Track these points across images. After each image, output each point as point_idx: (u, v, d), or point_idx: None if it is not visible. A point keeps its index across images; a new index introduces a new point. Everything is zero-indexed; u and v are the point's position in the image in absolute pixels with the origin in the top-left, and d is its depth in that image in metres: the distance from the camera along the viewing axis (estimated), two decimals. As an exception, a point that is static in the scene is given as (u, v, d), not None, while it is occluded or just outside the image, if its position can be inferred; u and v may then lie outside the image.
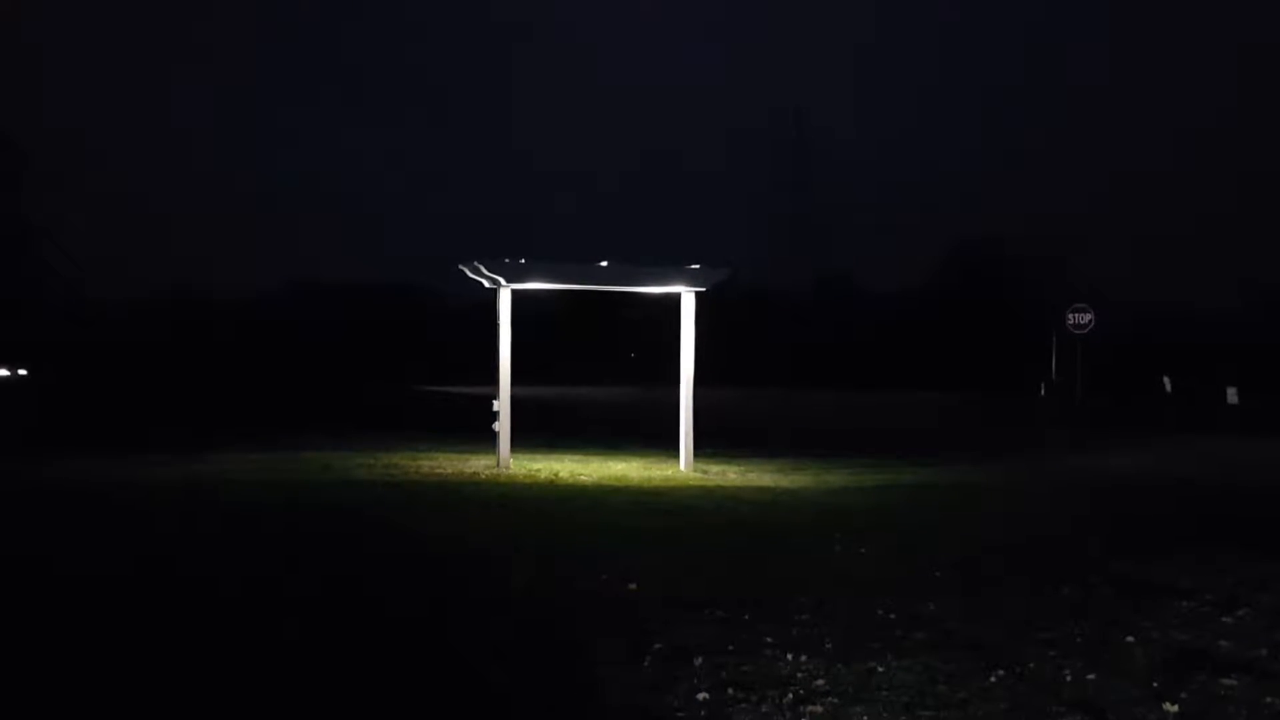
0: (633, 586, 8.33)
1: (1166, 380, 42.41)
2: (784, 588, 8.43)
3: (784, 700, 5.89)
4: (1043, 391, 44.18)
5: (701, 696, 5.93)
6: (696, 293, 17.04)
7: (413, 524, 11.22)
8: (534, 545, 10.08)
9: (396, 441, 19.80)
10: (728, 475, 16.63)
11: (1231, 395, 34.64)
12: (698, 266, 16.88)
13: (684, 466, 17.09)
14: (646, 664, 6.46)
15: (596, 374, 32.13)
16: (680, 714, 5.71)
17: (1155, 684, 6.23)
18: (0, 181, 43.82)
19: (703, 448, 18.35)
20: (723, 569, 9.19)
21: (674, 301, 17.46)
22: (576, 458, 18.08)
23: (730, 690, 6.03)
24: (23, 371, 34.08)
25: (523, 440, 18.32)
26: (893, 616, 7.59)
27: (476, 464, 16.56)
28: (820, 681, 6.21)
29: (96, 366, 32.65)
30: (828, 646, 6.85)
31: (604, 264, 16.68)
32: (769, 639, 6.98)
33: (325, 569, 8.91)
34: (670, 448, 18.36)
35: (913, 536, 11.09)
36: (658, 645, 6.78)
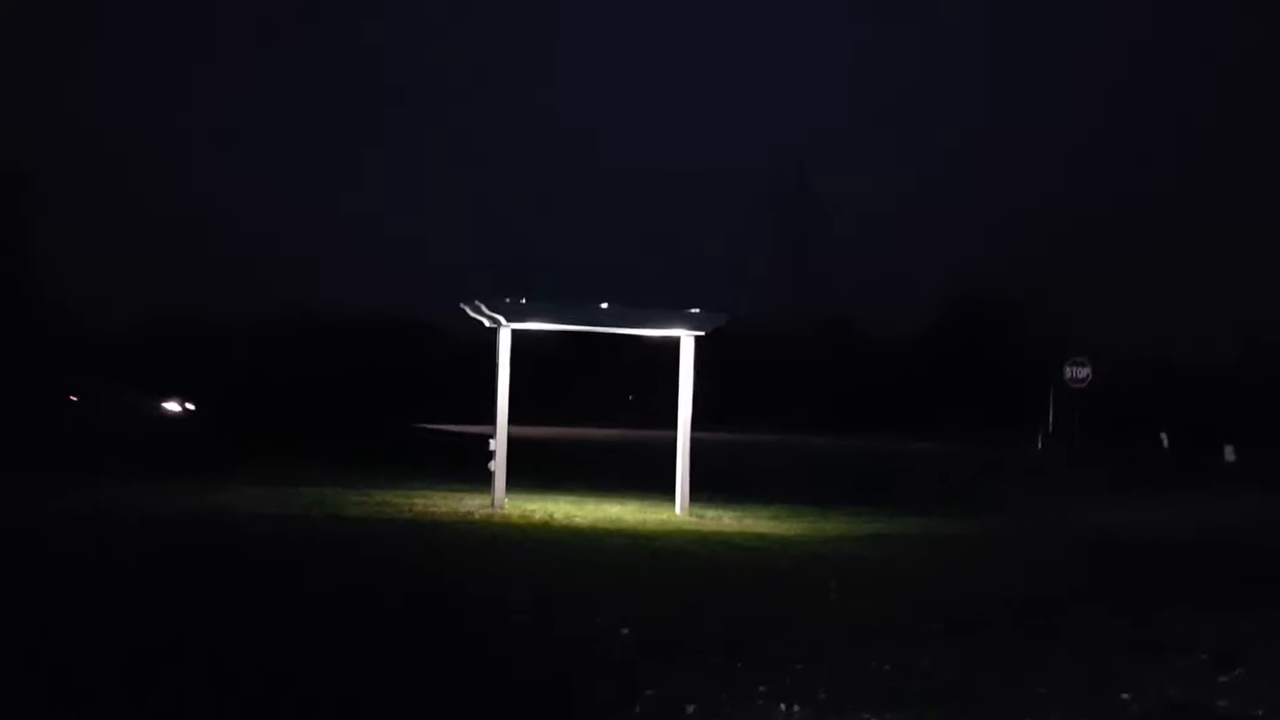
0: (625, 631, 8.26)
1: (1164, 436, 42.41)
2: (777, 636, 8.36)
3: (775, 750, 5.82)
4: (1040, 444, 44.20)
5: (692, 745, 5.86)
6: (696, 337, 17.06)
7: (401, 563, 11.15)
8: (522, 588, 10.01)
9: (393, 479, 19.72)
10: (723, 520, 16.55)
11: (1229, 453, 34.64)
12: (697, 310, 16.92)
13: (680, 511, 17.02)
14: (637, 711, 6.39)
15: (595, 414, 32.13)
16: (670, 762, 5.64)
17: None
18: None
19: (699, 492, 18.28)
20: (715, 615, 9.13)
21: (674, 345, 17.44)
22: (572, 499, 18.01)
23: (721, 739, 5.96)
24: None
25: (519, 480, 18.25)
26: (887, 668, 7.52)
27: (471, 503, 16.49)
28: (812, 732, 6.14)
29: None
30: (821, 697, 6.78)
31: (604, 306, 16.72)
32: (762, 687, 6.90)
33: (303, 609, 8.84)
34: (667, 491, 18.28)
35: (909, 588, 11.03)
36: (649, 692, 6.71)
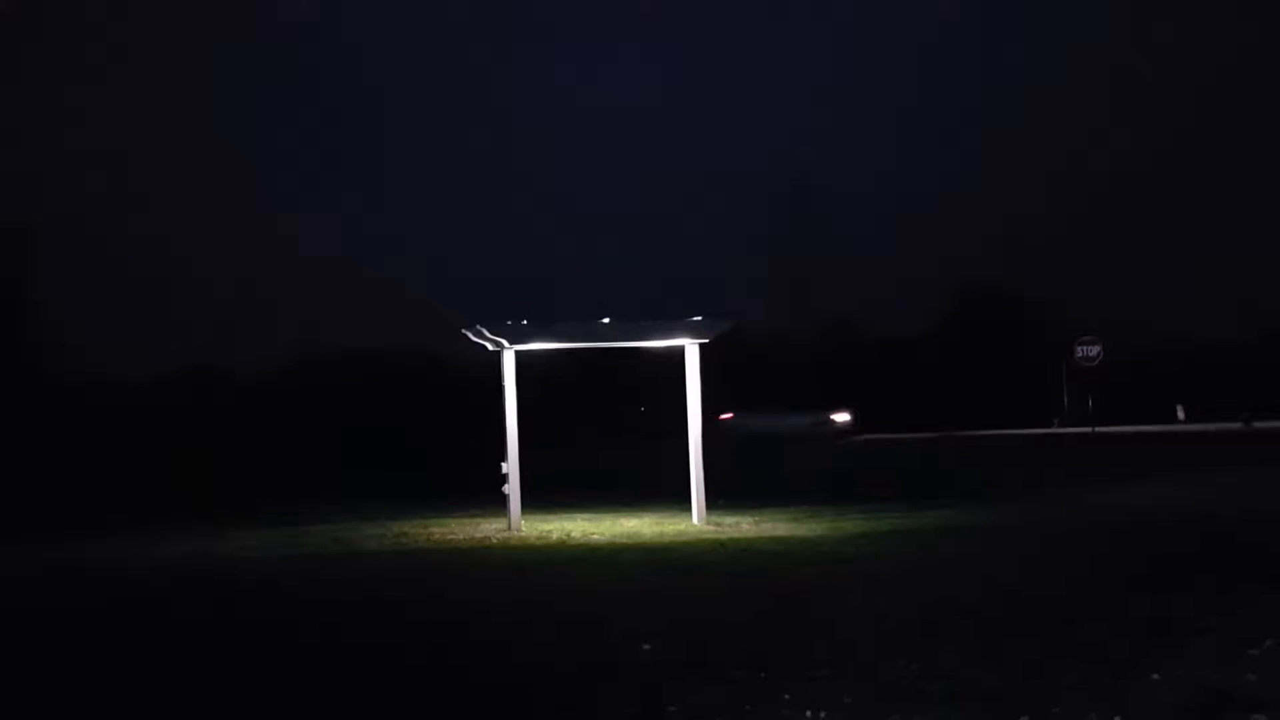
0: (645, 648, 8.20)
1: (1180, 409, 42.17)
2: (800, 641, 8.29)
3: (803, 761, 5.76)
4: (1056, 425, 43.98)
5: (718, 761, 5.80)
6: (700, 344, 17.01)
7: (418, 593, 11.11)
8: (538, 611, 9.96)
9: (409, 508, 19.69)
10: (741, 526, 16.48)
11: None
12: (699, 318, 16.87)
13: (697, 520, 16.96)
14: (662, 729, 6.34)
15: (609, 429, 32.10)
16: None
17: (1183, 725, 6.09)
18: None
19: (717, 499, 18.22)
20: (736, 624, 9.06)
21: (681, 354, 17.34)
22: (588, 516, 17.96)
23: (747, 753, 5.89)
24: None
25: (535, 501, 18.22)
26: (912, 667, 7.45)
27: (488, 528, 16.45)
28: (839, 739, 6.07)
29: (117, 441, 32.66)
30: (847, 701, 6.71)
31: (605, 321, 16.68)
32: (786, 695, 6.84)
33: (319, 646, 8.80)
34: (685, 502, 18.22)
35: (929, 583, 10.93)
36: (672, 708, 6.66)
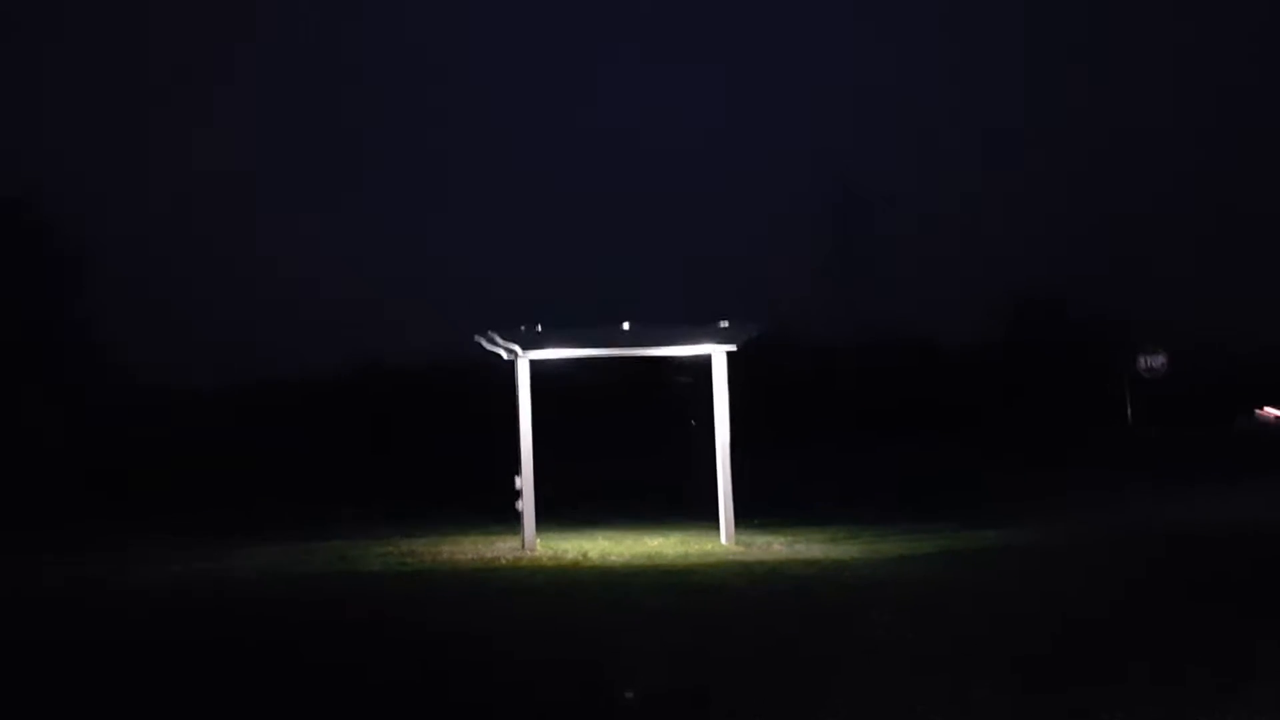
0: (653, 685, 7.29)
1: (1250, 415, 40.30)
2: (818, 677, 7.43)
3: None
4: (1116, 439, 42.24)
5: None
6: (728, 352, 15.95)
7: (416, 619, 10.22)
8: (531, 641, 9.03)
9: (427, 524, 18.81)
10: (772, 547, 15.41)
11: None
12: (727, 324, 15.81)
13: (725, 539, 15.89)
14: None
15: (642, 442, 31.11)
16: None
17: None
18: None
19: (749, 517, 17.15)
20: (753, 658, 8.16)
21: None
22: (610, 534, 16.95)
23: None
24: None
25: (555, 517, 17.26)
26: (937, 709, 6.41)
27: (502, 546, 15.49)
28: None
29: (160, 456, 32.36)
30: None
31: (625, 326, 15.69)
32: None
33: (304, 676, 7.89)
34: (714, 519, 17.16)
35: (966, 613, 9.88)
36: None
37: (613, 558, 14.38)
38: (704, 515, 18.07)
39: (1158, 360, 38.98)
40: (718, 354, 15.96)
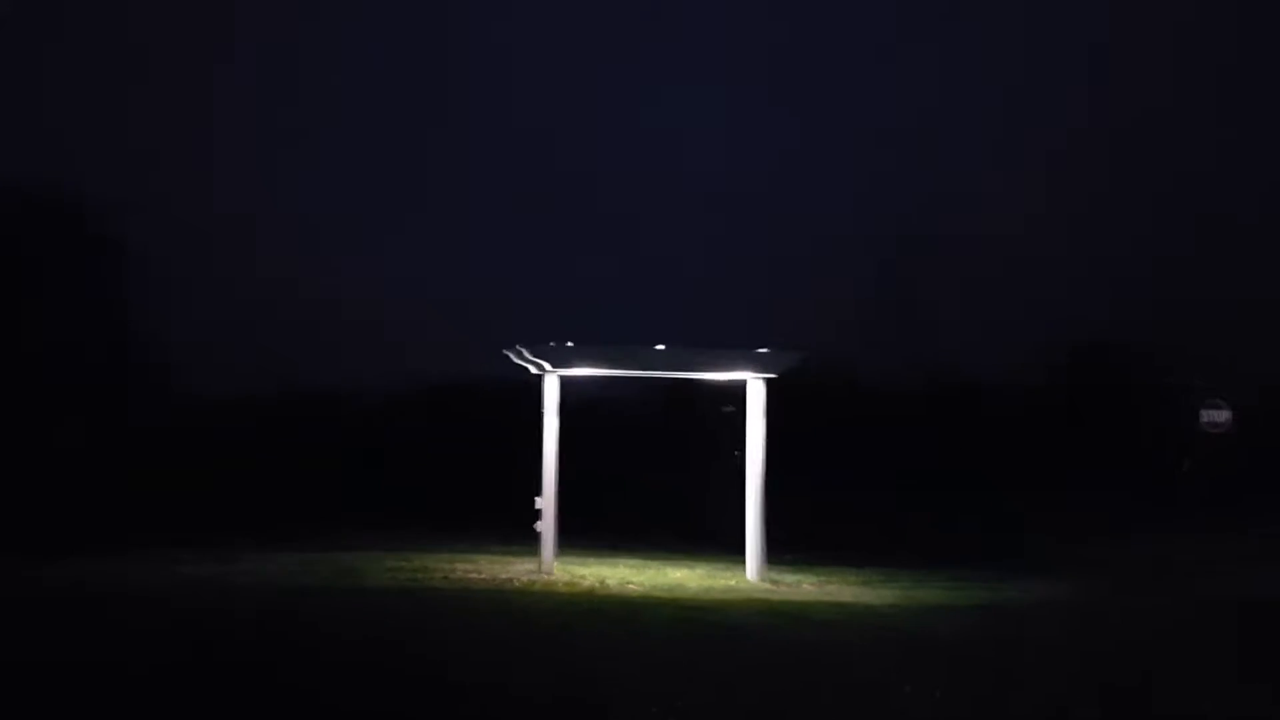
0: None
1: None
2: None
3: None
4: (1175, 494, 40.75)
5: None
6: (766, 380, 15.23)
7: (413, 647, 9.63)
8: (527, 675, 8.37)
9: (445, 540, 18.23)
10: (802, 587, 14.66)
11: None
12: (765, 350, 15.10)
13: (752, 576, 15.13)
14: None
15: (678, 467, 30.39)
16: None
17: None
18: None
19: (781, 554, 16.37)
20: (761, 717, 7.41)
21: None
22: (633, 562, 16.25)
23: None
24: None
25: (580, 540, 16.62)
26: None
27: (518, 568, 14.86)
28: None
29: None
30: None
31: (660, 348, 15.03)
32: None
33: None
34: (744, 553, 16.41)
35: (1003, 674, 9.06)
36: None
37: (631, 587, 13.70)
38: (735, 548, 17.35)
39: (1222, 415, 37.61)
40: (754, 381, 15.24)
